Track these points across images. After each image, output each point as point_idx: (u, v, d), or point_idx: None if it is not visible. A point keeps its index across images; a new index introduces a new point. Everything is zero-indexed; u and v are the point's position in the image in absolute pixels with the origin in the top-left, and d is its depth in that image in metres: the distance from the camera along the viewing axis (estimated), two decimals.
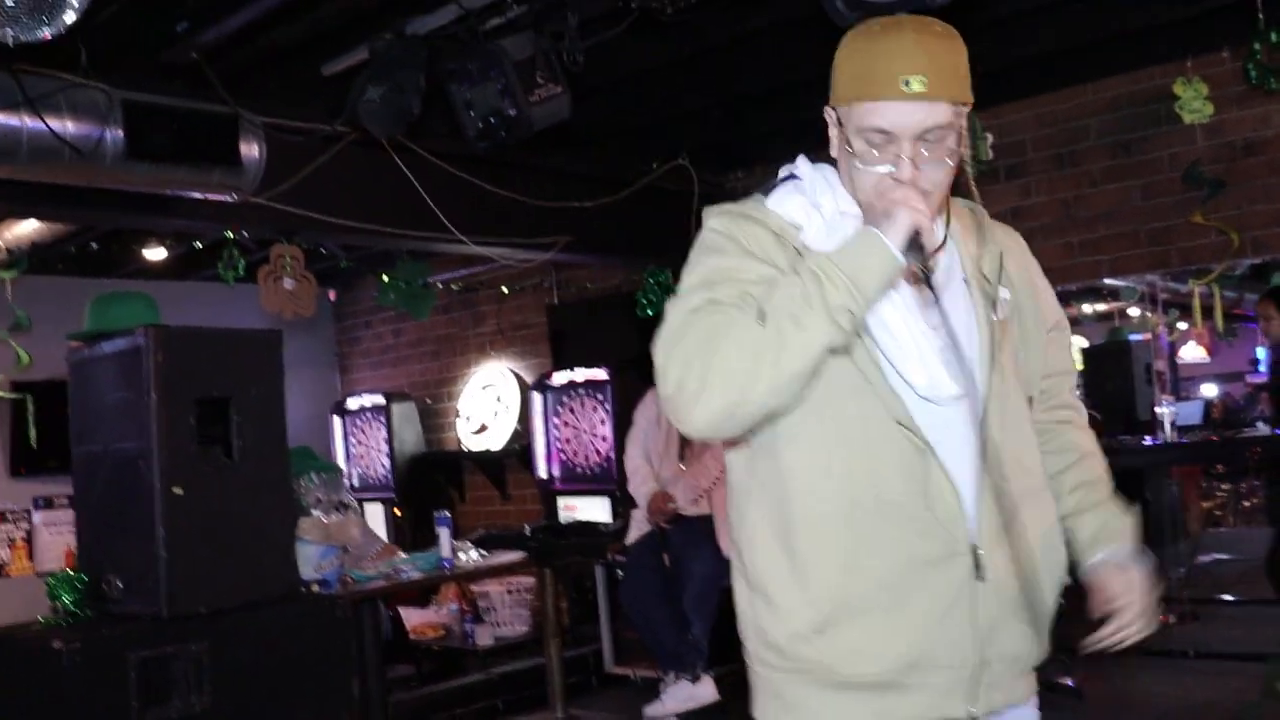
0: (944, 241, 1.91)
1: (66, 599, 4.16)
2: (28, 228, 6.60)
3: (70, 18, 3.31)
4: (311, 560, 4.73)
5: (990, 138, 6.22)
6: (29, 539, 9.22)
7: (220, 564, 4.02)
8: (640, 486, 5.90)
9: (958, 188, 2.01)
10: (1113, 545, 2.03)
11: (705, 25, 4.80)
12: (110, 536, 4.21)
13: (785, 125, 6.90)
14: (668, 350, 1.81)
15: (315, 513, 4.87)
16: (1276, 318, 5.69)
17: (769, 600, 1.90)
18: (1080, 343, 12.29)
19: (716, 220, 2.02)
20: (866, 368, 1.84)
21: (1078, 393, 2.24)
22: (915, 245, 1.74)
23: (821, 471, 1.85)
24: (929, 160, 1.81)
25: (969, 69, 1.90)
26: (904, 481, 1.82)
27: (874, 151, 1.84)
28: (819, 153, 6.26)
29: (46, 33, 3.32)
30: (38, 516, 9.12)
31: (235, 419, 4.14)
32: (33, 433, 8.15)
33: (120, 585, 4.09)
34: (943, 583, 1.82)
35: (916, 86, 1.78)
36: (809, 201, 1.98)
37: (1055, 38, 5.65)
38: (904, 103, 1.79)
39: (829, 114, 1.94)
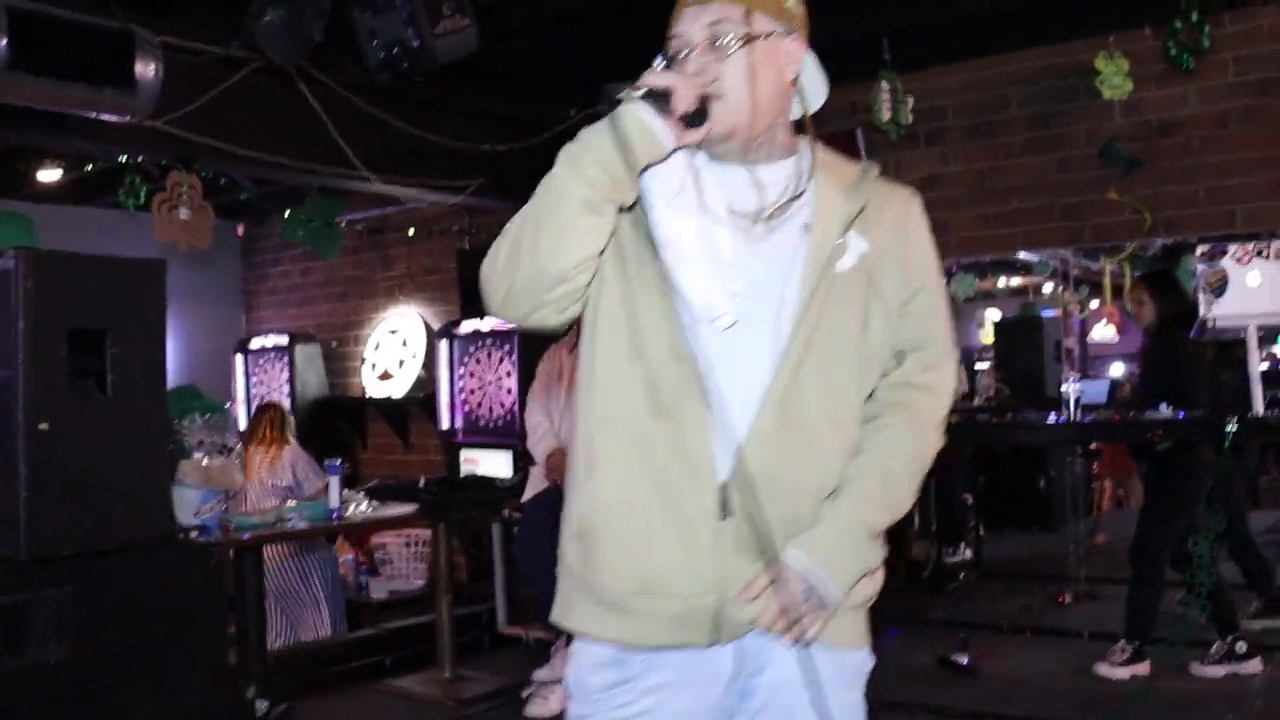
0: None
1: None
2: None
3: None
4: (191, 505, 4.57)
5: (911, 101, 6.15)
6: None
7: (88, 505, 3.81)
8: (539, 443, 5.77)
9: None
10: (804, 549, 1.88)
11: None
12: None
13: None
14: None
15: (198, 455, 4.70)
16: (1149, 303, 5.69)
17: (566, 498, 1.98)
18: (993, 315, 12.42)
19: None
20: (660, 286, 1.87)
21: (949, 367, 2.09)
22: (662, 102, 1.78)
23: (617, 378, 1.90)
24: (712, 50, 1.88)
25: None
26: (671, 404, 1.85)
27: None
28: None
29: None
30: None
31: (111, 352, 3.91)
32: None
33: None
34: (686, 516, 1.84)
35: None
36: None
37: (982, 2, 5.59)
38: (691, 8, 1.91)
39: None
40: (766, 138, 1.97)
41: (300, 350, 9.40)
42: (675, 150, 1.86)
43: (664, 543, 1.85)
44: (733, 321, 1.85)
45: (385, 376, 9.23)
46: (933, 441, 2.02)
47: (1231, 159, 5.86)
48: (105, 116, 4.91)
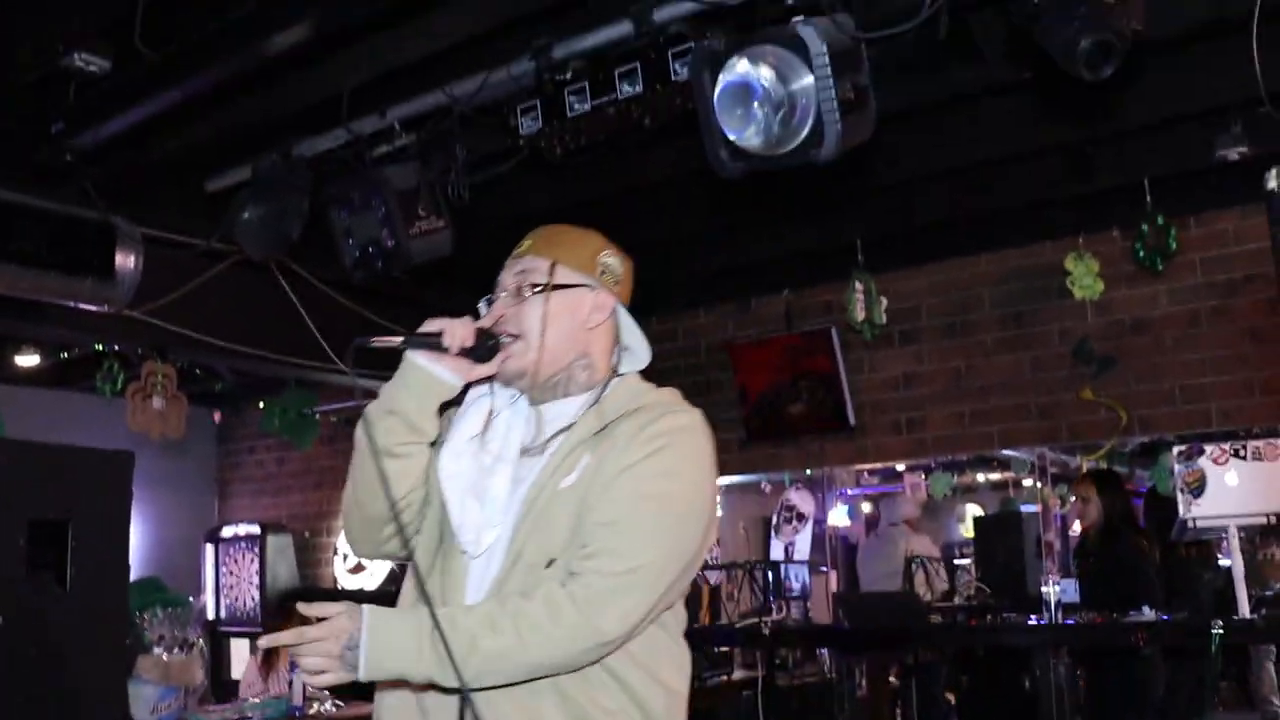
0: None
1: None
2: None
3: None
4: (148, 702, 4.43)
5: (885, 301, 6.25)
6: None
7: (44, 700, 3.71)
8: None
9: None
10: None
11: (597, 171, 4.77)
12: None
13: (679, 276, 6.89)
14: None
15: (157, 650, 4.57)
16: (1094, 500, 5.70)
17: None
18: (974, 511, 12.35)
19: None
20: (443, 514, 2.09)
21: (611, 579, 1.95)
22: (433, 344, 2.05)
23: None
24: (508, 293, 2.16)
25: (589, 250, 2.22)
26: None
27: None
28: (720, 306, 6.18)
29: None
30: None
31: (73, 544, 3.85)
32: None
33: None
34: None
35: (524, 245, 2.21)
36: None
37: (947, 207, 5.72)
38: (512, 261, 2.20)
39: None
40: (563, 376, 2.15)
41: (272, 540, 9.29)
42: (472, 384, 2.12)
43: None
44: (476, 552, 2.04)
45: (357, 569, 9.10)
46: (565, 619, 1.90)
47: (1204, 357, 5.92)
48: (84, 305, 4.93)
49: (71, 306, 4.96)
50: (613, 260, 2.24)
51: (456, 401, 2.16)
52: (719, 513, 9.01)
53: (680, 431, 2.05)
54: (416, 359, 2.08)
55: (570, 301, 2.15)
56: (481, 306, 2.20)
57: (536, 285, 2.12)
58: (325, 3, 3.50)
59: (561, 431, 2.09)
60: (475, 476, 2.08)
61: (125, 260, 4.86)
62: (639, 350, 2.26)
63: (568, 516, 2.00)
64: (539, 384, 2.14)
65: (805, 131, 2.92)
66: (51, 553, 3.81)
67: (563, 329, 2.12)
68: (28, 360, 7.93)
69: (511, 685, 1.91)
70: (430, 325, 2.08)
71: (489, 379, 2.15)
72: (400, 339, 2.09)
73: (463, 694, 1.87)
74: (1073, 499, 6.24)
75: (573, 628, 1.89)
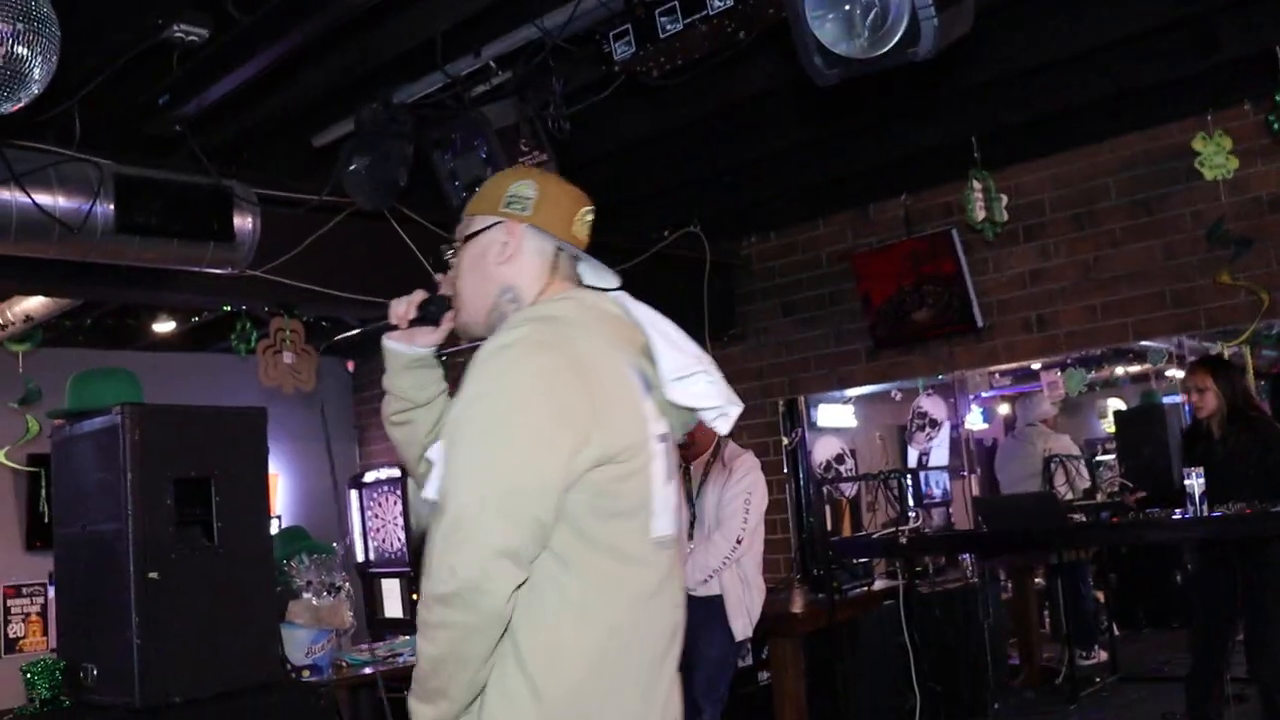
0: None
1: (43, 688, 4.02)
2: (31, 303, 6.54)
3: (34, 90, 3.23)
4: (302, 645, 4.59)
5: (1005, 199, 6.08)
6: (43, 614, 9.13)
7: (199, 651, 3.86)
8: None
9: None
10: None
11: (697, 92, 4.71)
12: (88, 623, 4.06)
13: (796, 189, 6.81)
14: None
15: (306, 595, 4.72)
16: (1211, 390, 5.49)
17: None
18: (1115, 405, 12.08)
19: None
20: None
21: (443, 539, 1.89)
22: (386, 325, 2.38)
23: None
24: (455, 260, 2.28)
25: (499, 188, 2.25)
26: None
27: None
28: (828, 218, 6.11)
29: (9, 106, 3.24)
30: (53, 591, 9.02)
31: (216, 499, 3.99)
32: (45, 508, 8.13)
33: (95, 674, 3.95)
34: None
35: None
36: None
37: (1063, 96, 5.52)
38: None
39: None
40: (497, 318, 2.17)
41: (412, 482, 9.47)
42: (435, 343, 2.36)
43: None
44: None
45: None
46: (425, 610, 1.90)
47: None
48: (208, 270, 5.06)
49: (196, 271, 5.10)
50: (524, 187, 2.22)
51: None
52: (853, 423, 8.99)
53: (496, 352, 1.96)
54: (384, 342, 2.34)
55: (480, 246, 2.21)
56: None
57: (454, 244, 2.28)
58: None
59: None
60: None
61: (244, 222, 4.97)
62: (592, 272, 2.29)
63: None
64: (484, 331, 2.17)
65: (900, 30, 2.82)
66: (197, 509, 3.95)
67: (476, 275, 2.20)
68: (164, 327, 8.18)
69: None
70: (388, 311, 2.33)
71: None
72: (359, 328, 2.43)
73: None
74: (1186, 391, 6.02)
75: (439, 599, 1.86)
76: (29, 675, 4.02)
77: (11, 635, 8.91)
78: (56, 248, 4.56)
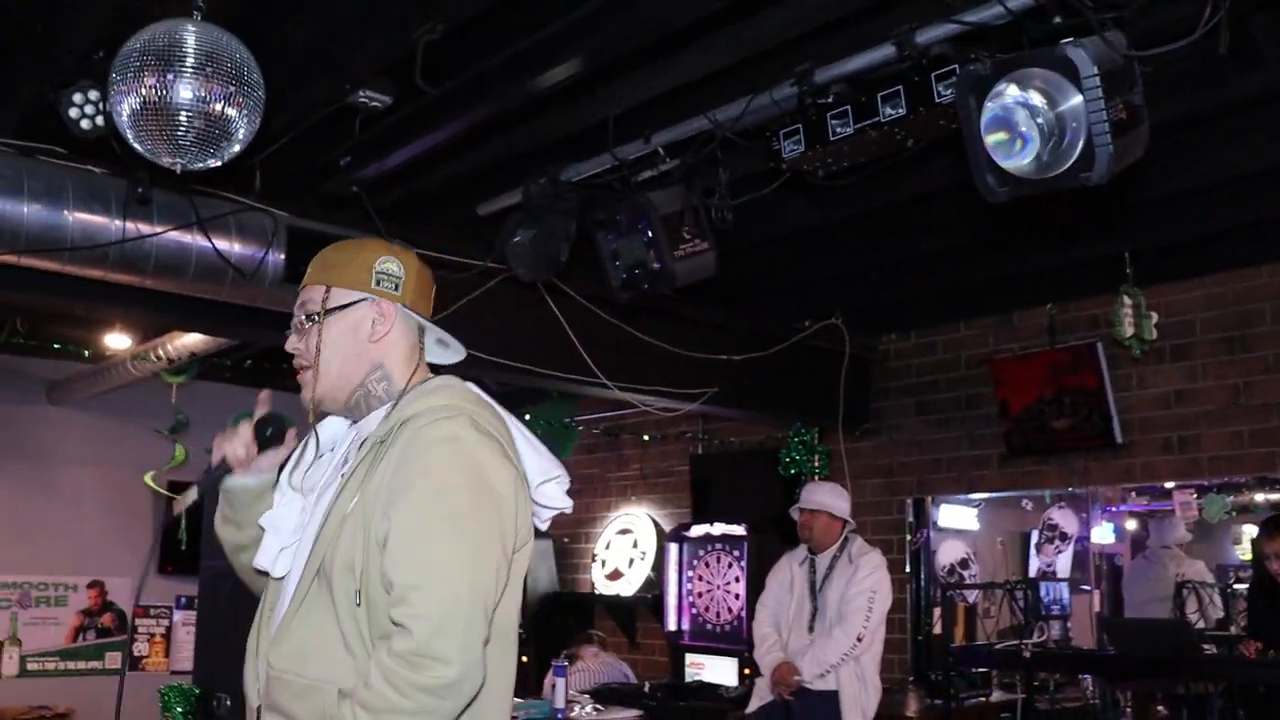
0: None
1: (178, 711, 4.17)
2: (192, 339, 6.82)
3: (236, 148, 3.42)
4: None
5: (1155, 316, 5.99)
6: (167, 636, 9.41)
7: None
8: (766, 654, 5.70)
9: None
10: None
11: (858, 190, 4.76)
12: (225, 653, 4.20)
13: (938, 291, 6.81)
14: None
15: None
16: None
17: None
18: (1250, 532, 11.70)
19: None
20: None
21: (424, 620, 1.91)
22: (222, 471, 2.28)
23: None
24: (292, 328, 2.22)
25: (362, 261, 2.22)
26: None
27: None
28: (970, 321, 6.08)
29: (213, 162, 3.43)
30: (178, 615, 9.31)
31: None
32: (184, 535, 8.41)
33: (228, 704, 4.09)
34: None
35: (305, 278, 2.24)
36: None
37: (1225, 218, 5.47)
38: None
39: None
40: (361, 394, 2.21)
41: (534, 545, 9.55)
42: (278, 463, 2.27)
43: None
44: (280, 574, 2.17)
45: (615, 575, 9.30)
46: (407, 685, 1.88)
47: None
48: None
49: None
50: (391, 264, 2.22)
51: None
52: (975, 525, 8.86)
53: (446, 443, 2.03)
54: (229, 484, 2.26)
55: (350, 321, 2.19)
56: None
57: (313, 314, 2.17)
58: (593, 39, 3.62)
59: (359, 445, 2.18)
60: (275, 511, 2.23)
61: None
62: (446, 348, 2.37)
63: (348, 535, 2.03)
64: (342, 407, 2.23)
65: (1075, 155, 2.86)
66: None
67: (345, 350, 2.18)
68: None
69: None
70: (215, 455, 2.26)
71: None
72: (195, 486, 2.28)
73: None
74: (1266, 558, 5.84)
75: (416, 687, 1.88)
76: (167, 698, 4.17)
77: (137, 654, 9.19)
78: (228, 291, 4.78)
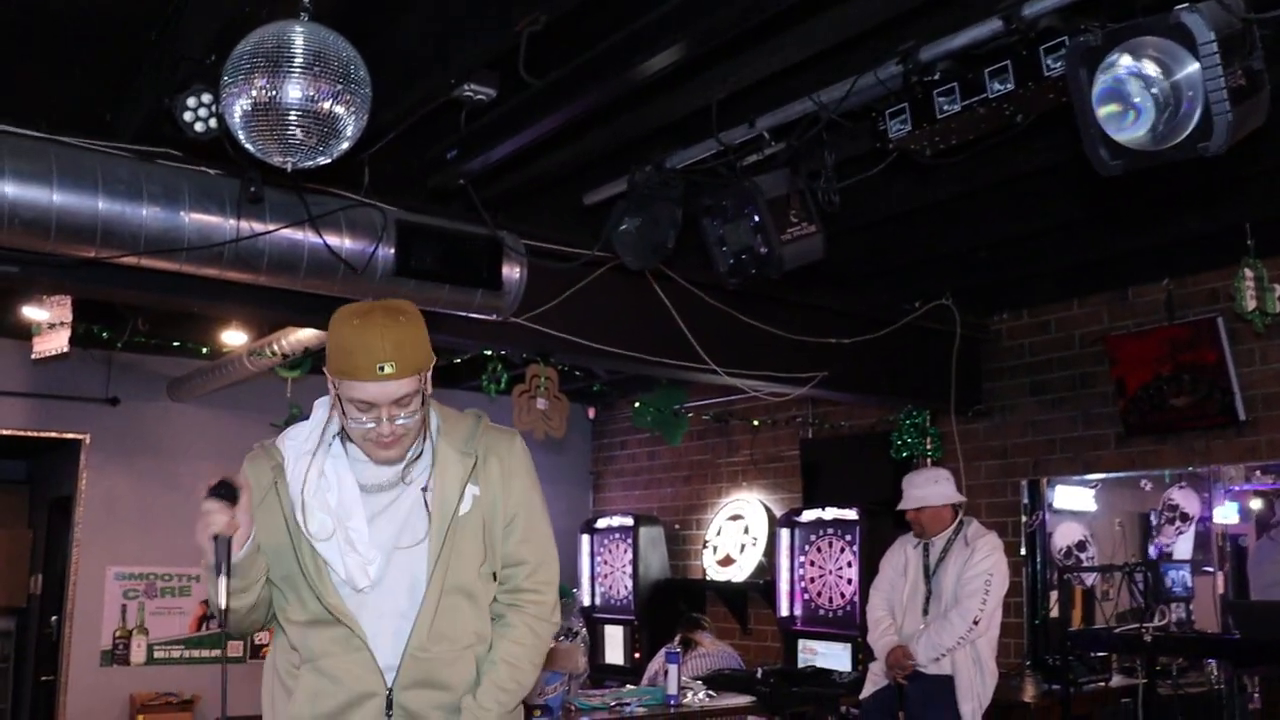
0: (420, 459, 2.62)
1: None
2: (306, 334, 6.95)
3: (345, 145, 3.47)
4: (536, 686, 4.71)
5: (1277, 289, 5.81)
6: None
7: None
8: (880, 638, 5.66)
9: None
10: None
11: (966, 169, 4.69)
12: None
13: (1050, 268, 6.68)
14: None
15: None
16: None
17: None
18: None
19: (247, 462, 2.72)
20: (307, 565, 2.53)
21: (551, 585, 2.75)
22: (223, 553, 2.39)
23: (298, 637, 2.58)
24: (402, 416, 2.47)
25: (426, 339, 2.54)
26: (335, 645, 2.53)
27: (360, 415, 2.47)
28: (1084, 298, 5.96)
29: (323, 159, 3.49)
30: None
31: None
32: None
33: None
34: (362, 714, 2.52)
35: (389, 370, 2.41)
36: (305, 433, 2.66)
37: None
38: (379, 383, 2.42)
39: (327, 374, 2.53)
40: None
41: (644, 531, 9.62)
42: (249, 514, 2.45)
43: None
44: (371, 586, 2.53)
45: (726, 561, 9.30)
46: (545, 630, 2.70)
47: None
48: (474, 315, 5.30)
49: (463, 315, 5.34)
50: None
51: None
52: (1093, 506, 8.69)
53: (524, 451, 2.73)
54: (235, 558, 2.41)
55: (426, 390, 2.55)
56: (365, 427, 2.50)
57: (416, 409, 2.49)
58: (695, 25, 3.61)
59: (411, 463, 2.59)
60: (338, 531, 2.52)
61: (511, 272, 5.19)
62: None
63: (475, 537, 2.60)
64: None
65: (1192, 124, 2.78)
66: None
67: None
68: None
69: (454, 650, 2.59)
70: (205, 541, 2.39)
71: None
72: (221, 580, 2.38)
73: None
74: None
75: (548, 629, 2.71)
76: None
77: (258, 642, 9.40)
78: (340, 286, 4.85)
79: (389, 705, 2.52)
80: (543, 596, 2.70)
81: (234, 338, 7.82)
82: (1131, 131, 2.88)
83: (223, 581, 2.37)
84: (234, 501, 2.41)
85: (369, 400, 2.44)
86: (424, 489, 2.58)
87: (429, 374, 2.52)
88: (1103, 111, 2.92)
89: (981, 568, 5.44)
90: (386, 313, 2.49)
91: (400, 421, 2.47)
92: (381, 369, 2.41)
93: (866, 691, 5.70)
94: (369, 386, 2.42)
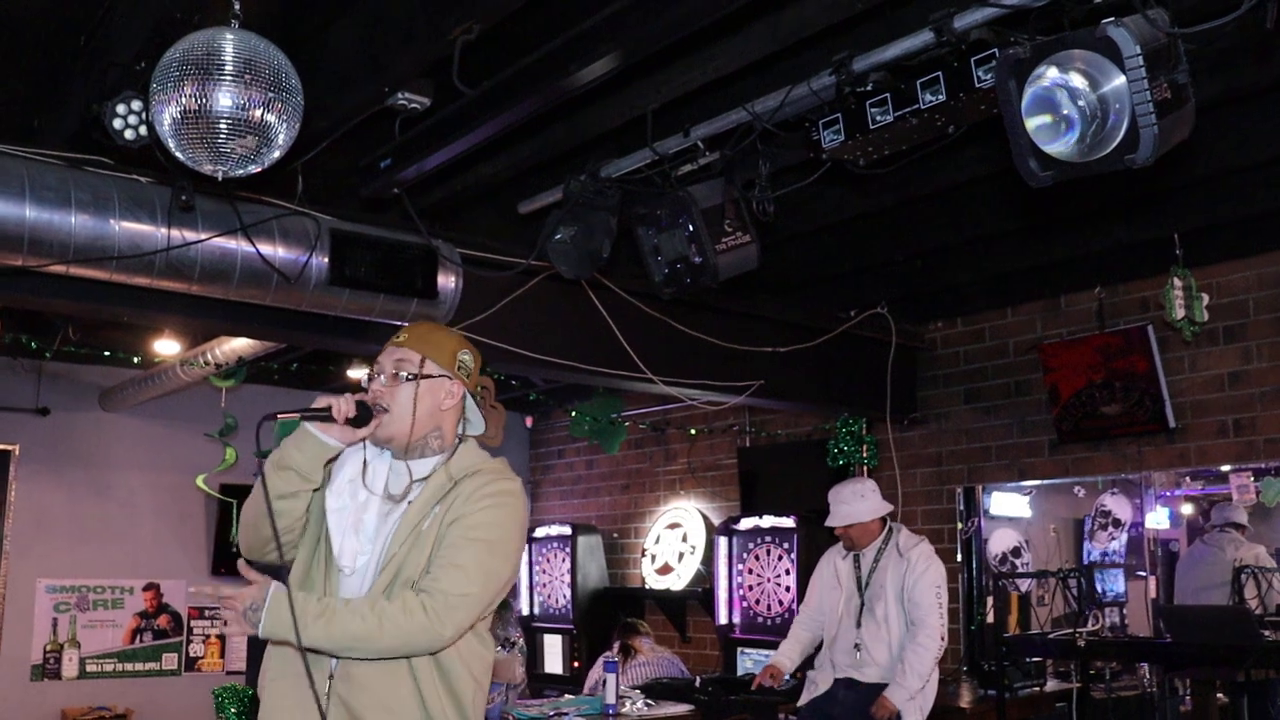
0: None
1: (230, 712, 4.21)
2: (240, 343, 6.87)
3: (277, 154, 3.44)
4: None
5: (1206, 298, 5.91)
6: (222, 637, 9.51)
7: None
8: (779, 651, 5.81)
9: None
10: None
11: (899, 179, 4.73)
12: None
13: (986, 277, 6.75)
14: None
15: None
16: None
17: None
18: None
19: None
20: (322, 544, 2.78)
21: (440, 603, 2.64)
22: (324, 416, 2.69)
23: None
24: (383, 379, 2.82)
25: (451, 349, 2.89)
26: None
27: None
28: (1017, 306, 5.99)
29: (255, 168, 3.45)
30: None
31: None
32: (235, 537, 8.49)
33: None
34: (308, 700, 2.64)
35: (401, 338, 2.88)
36: None
37: (1274, 198, 5.37)
38: (389, 345, 2.88)
39: None
40: (420, 443, 2.83)
41: (582, 540, 9.61)
42: (352, 443, 2.75)
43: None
44: (351, 570, 2.72)
45: (665, 570, 9.30)
46: (394, 623, 2.58)
47: None
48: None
49: (398, 325, 5.30)
50: (467, 357, 2.92)
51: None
52: (1028, 513, 8.79)
53: (506, 495, 2.80)
54: (310, 428, 2.70)
55: (432, 388, 2.81)
56: (364, 380, 2.87)
57: (410, 374, 2.79)
58: (628, 34, 3.61)
59: (418, 482, 2.80)
60: (353, 512, 2.75)
61: (446, 280, 5.16)
62: (477, 423, 2.99)
63: (425, 550, 2.71)
64: (404, 447, 2.81)
65: (1120, 136, 2.82)
66: None
67: (424, 409, 2.79)
68: (358, 373, 8.50)
69: (375, 661, 2.63)
70: (320, 402, 2.71)
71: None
72: (299, 412, 2.70)
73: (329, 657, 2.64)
74: None
75: (420, 627, 2.58)
76: (220, 698, 4.21)
77: (192, 654, 9.29)
78: (273, 295, 4.79)
79: (327, 694, 2.67)
80: (435, 600, 2.63)
81: (167, 347, 7.71)
82: (1060, 143, 2.92)
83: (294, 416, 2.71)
84: (362, 423, 2.71)
85: (378, 362, 2.85)
86: (409, 501, 2.80)
87: (438, 377, 2.81)
88: (1032, 123, 2.95)
89: (927, 580, 5.47)
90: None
91: (381, 381, 2.81)
92: (397, 336, 2.88)
93: (805, 699, 5.72)
94: (384, 350, 2.87)
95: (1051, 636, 6.52)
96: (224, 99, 3.23)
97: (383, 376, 2.82)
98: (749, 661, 7.98)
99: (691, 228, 4.24)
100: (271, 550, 2.73)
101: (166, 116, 3.30)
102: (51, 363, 8.62)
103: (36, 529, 8.83)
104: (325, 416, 2.69)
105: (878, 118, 3.65)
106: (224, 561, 9.31)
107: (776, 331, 6.69)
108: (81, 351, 8.07)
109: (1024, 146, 2.99)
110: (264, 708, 2.76)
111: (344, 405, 2.69)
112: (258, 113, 3.26)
